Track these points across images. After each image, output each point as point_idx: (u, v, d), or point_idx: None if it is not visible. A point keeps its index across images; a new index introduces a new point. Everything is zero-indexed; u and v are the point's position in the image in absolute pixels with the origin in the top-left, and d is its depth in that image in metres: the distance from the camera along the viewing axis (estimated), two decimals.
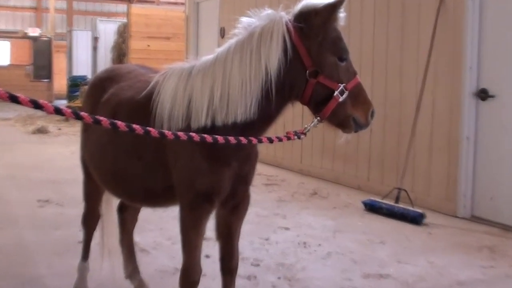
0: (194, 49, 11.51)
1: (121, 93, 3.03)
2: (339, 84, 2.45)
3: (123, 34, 16.59)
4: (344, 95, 2.44)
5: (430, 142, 6.11)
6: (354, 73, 2.51)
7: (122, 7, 27.28)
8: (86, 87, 16.80)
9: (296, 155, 8.30)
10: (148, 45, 14.73)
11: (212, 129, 2.48)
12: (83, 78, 19.63)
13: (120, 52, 16.80)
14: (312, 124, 2.53)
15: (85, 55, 20.85)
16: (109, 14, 27.63)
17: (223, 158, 2.55)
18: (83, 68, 20.81)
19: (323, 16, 2.44)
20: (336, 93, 2.44)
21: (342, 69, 2.48)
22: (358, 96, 2.49)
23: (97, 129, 3.03)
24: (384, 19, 6.73)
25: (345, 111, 2.47)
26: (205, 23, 11.30)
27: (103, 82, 3.26)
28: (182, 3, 14.48)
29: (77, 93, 17.88)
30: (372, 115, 2.50)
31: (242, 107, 2.46)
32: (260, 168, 7.87)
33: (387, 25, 6.69)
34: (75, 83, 19.26)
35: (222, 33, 10.15)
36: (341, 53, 2.48)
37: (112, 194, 3.18)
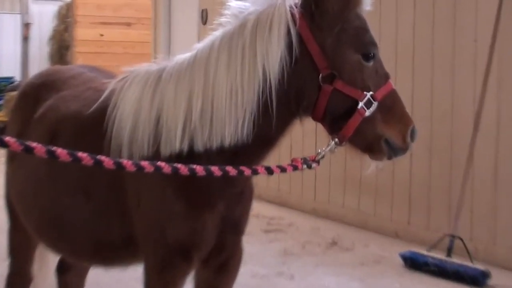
0: (165, 41, 11.57)
1: (62, 106, 3.06)
2: (365, 93, 2.48)
3: (66, 19, 16.68)
4: (372, 108, 2.48)
5: (495, 171, 6.13)
6: (385, 77, 2.55)
7: None
8: (13, 94, 16.93)
9: (308, 190, 8.31)
10: (101, 35, 14.82)
11: (189, 156, 2.50)
12: (8, 80, 19.63)
13: (61, 43, 16.89)
14: (329, 148, 2.56)
15: (11, 47, 20.83)
16: None
17: (204, 198, 2.57)
18: (9, 66, 20.75)
19: None
20: (360, 104, 2.47)
21: (368, 71, 2.52)
22: (392, 108, 2.53)
23: (29, 158, 3.03)
24: (428, 2, 6.80)
25: (374, 130, 2.51)
26: (180, 4, 11.39)
27: (37, 91, 3.29)
28: None
29: (0, 102, 17.93)
30: (412, 136, 2.54)
31: (231, 125, 2.48)
32: (257, 207, 7.88)
33: (433, 9, 6.76)
34: None
35: (204, 19, 10.23)
36: (367, 49, 2.52)
37: (49, 247, 3.20)
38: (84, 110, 2.89)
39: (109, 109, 2.70)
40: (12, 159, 3.28)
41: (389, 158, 2.58)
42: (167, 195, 2.56)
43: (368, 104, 2.47)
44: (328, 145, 2.57)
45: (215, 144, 2.49)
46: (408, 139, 2.52)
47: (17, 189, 3.23)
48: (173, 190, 2.55)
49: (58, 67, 3.78)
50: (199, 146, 2.51)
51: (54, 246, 3.10)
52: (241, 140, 2.49)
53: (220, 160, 2.48)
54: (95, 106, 2.81)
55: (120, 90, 2.73)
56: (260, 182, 8.61)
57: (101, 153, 2.36)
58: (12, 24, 21.23)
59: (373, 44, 2.54)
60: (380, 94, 2.49)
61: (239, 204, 2.71)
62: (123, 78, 2.77)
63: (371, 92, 2.48)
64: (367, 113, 2.47)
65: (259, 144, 2.56)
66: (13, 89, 17.65)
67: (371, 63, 2.51)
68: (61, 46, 16.96)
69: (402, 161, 6.79)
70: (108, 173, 2.44)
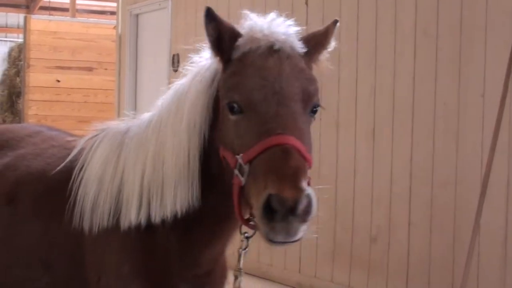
0: (131, 88, 11.62)
1: (22, 165, 3.09)
2: (236, 156, 2.42)
3: (17, 62, 16.76)
4: (245, 175, 2.36)
5: (504, 245, 6.13)
6: (267, 131, 2.37)
7: (16, 18, 27.63)
8: None
9: (292, 262, 8.30)
10: (58, 81, 14.95)
11: (148, 229, 2.57)
12: None
13: (12, 90, 16.95)
14: (244, 251, 2.61)
15: None
16: None
17: (163, 279, 2.60)
18: None
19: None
20: (235, 172, 2.39)
21: (240, 127, 2.45)
22: (257, 169, 2.35)
23: None
24: (430, 50, 6.89)
25: (247, 200, 2.40)
26: (148, 48, 11.47)
27: None
28: (112, 13, 14.66)
29: None
30: (273, 204, 2.23)
31: (180, 190, 2.54)
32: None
33: (435, 59, 6.84)
34: None
35: (176, 64, 10.29)
36: (232, 97, 2.46)
37: None
38: (49, 169, 2.93)
39: (76, 170, 2.77)
40: None
41: (268, 239, 2.35)
42: (124, 274, 2.60)
43: (241, 170, 2.38)
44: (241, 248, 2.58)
45: (168, 214, 2.54)
46: (260, 210, 2.26)
47: None
48: (130, 269, 2.59)
49: (8, 125, 3.84)
50: (155, 216, 2.56)
51: None
52: (193, 209, 2.55)
53: (175, 234, 2.58)
54: (62, 165, 2.87)
55: (89, 151, 2.80)
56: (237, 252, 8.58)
57: (65, 217, 2.54)
58: None
59: (237, 88, 2.46)
60: (250, 154, 2.35)
61: (209, 284, 2.76)
62: (93, 137, 2.85)
63: (241, 154, 2.39)
64: (243, 181, 2.36)
65: (214, 213, 2.61)
66: None
67: (239, 116, 2.44)
68: (11, 93, 17.01)
69: (399, 231, 6.91)
70: (71, 242, 2.57)
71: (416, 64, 6.95)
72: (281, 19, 2.64)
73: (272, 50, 2.51)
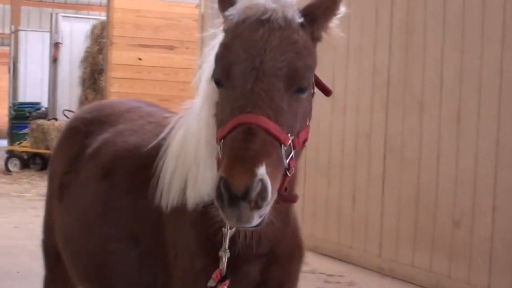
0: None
1: (119, 141, 3.22)
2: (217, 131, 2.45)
3: (100, 40, 17.00)
4: (221, 152, 2.37)
5: None
6: (238, 109, 2.33)
7: None
8: (40, 122, 17.25)
9: (372, 245, 8.34)
10: (140, 59, 15.01)
11: (210, 208, 2.57)
12: (34, 106, 20.09)
13: (94, 67, 17.21)
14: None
15: (38, 70, 21.36)
16: (77, 7, 28.45)
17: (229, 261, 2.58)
18: (35, 90, 21.28)
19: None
20: (218, 147, 2.42)
21: (221, 102, 2.47)
22: (224, 149, 2.34)
23: (81, 198, 3.21)
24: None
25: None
26: None
27: (88, 126, 3.47)
28: None
29: (25, 130, 18.33)
30: (224, 186, 2.19)
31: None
32: (314, 262, 7.93)
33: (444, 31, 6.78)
34: (22, 113, 19.75)
35: None
36: (216, 70, 2.45)
37: None
38: (143, 145, 3.03)
39: (163, 148, 2.87)
40: (59, 198, 3.43)
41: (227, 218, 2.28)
42: (192, 251, 2.69)
43: (220, 146, 2.40)
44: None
45: None
46: (213, 192, 2.25)
47: (66, 232, 3.37)
48: (196, 246, 2.67)
49: (111, 101, 3.94)
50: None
51: None
52: None
53: None
54: (155, 141, 2.96)
55: (176, 129, 2.89)
56: (318, 233, 8.69)
57: (149, 193, 2.64)
58: (39, 43, 21.62)
59: (220, 61, 2.45)
60: (221, 132, 2.36)
61: (276, 266, 2.75)
62: (183, 115, 2.91)
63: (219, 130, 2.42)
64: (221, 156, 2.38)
65: None
66: (39, 117, 18.07)
67: (220, 91, 2.47)
68: (94, 70, 17.27)
69: (482, 216, 6.89)
70: (154, 218, 2.67)
71: (504, 47, 6.92)
72: None
73: (261, 20, 2.43)
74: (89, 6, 28.26)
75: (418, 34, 7.61)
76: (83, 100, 17.36)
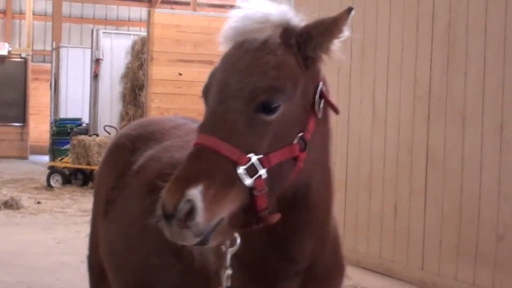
0: None
1: (164, 157, 3.28)
2: None
3: (140, 55, 17.19)
4: None
5: None
6: (199, 129, 2.46)
7: (138, 12, 28.33)
8: (81, 138, 17.45)
9: (414, 258, 8.30)
10: (180, 74, 15.11)
11: None
12: (76, 122, 20.35)
13: (135, 83, 17.38)
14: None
15: (80, 86, 21.65)
16: (118, 23, 28.78)
17: (263, 273, 2.66)
18: (77, 106, 21.59)
19: None
20: None
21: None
22: None
23: (124, 214, 3.29)
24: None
25: None
26: None
27: (133, 142, 3.55)
28: (232, 7, 14.63)
29: (66, 146, 18.57)
30: (161, 204, 2.33)
31: None
32: (356, 277, 7.93)
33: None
34: (63, 129, 20.03)
35: None
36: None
37: None
38: None
39: None
40: (105, 215, 3.51)
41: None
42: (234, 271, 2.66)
43: None
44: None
45: None
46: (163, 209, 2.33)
47: (110, 247, 3.44)
48: (235, 262, 2.65)
49: (156, 118, 4.01)
50: None
51: None
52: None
53: (264, 229, 2.55)
54: None
55: None
56: (359, 247, 8.69)
57: None
58: (80, 60, 21.94)
59: (205, 84, 2.58)
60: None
61: (315, 283, 2.77)
62: None
63: None
64: None
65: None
66: (80, 132, 18.31)
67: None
68: (134, 86, 17.44)
69: None
70: None
71: None
72: (272, 4, 2.61)
73: (241, 43, 2.53)
74: (129, 22, 28.55)
75: (460, 45, 7.60)
76: (124, 116, 17.58)
